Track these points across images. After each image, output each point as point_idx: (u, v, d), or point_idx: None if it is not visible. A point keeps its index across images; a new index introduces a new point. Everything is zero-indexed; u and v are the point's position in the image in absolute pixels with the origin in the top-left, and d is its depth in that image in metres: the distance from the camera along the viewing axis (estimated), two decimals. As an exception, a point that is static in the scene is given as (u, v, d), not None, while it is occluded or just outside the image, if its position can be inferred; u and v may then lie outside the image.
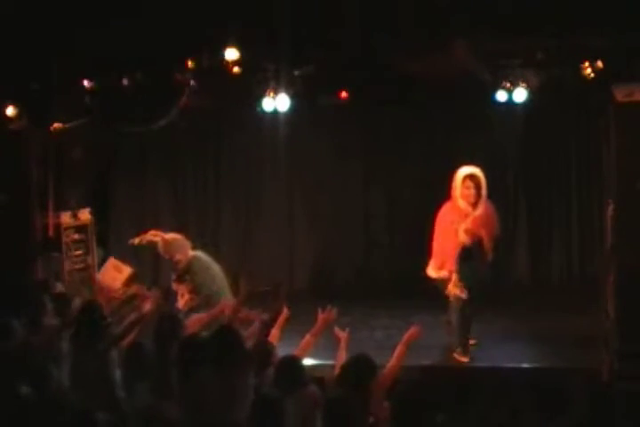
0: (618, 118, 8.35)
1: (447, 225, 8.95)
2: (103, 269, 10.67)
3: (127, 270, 10.62)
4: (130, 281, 10.43)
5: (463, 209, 8.90)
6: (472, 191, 8.89)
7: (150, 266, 11.61)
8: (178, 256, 9.13)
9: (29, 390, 5.53)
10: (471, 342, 9.00)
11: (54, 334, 6.98)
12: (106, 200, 11.89)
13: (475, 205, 8.89)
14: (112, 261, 10.69)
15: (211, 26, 8.76)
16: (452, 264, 8.87)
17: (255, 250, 12.18)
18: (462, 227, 8.81)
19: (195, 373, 6.12)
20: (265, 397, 5.35)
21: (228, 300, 8.35)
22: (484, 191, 8.89)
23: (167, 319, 6.81)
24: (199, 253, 9.30)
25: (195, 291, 8.96)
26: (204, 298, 8.80)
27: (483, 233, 8.83)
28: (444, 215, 9.03)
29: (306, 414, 5.75)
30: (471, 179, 8.90)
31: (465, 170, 8.93)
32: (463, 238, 8.79)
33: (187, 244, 9.26)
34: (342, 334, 6.78)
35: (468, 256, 8.79)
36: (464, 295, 8.74)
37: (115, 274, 10.52)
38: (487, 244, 8.87)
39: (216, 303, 8.21)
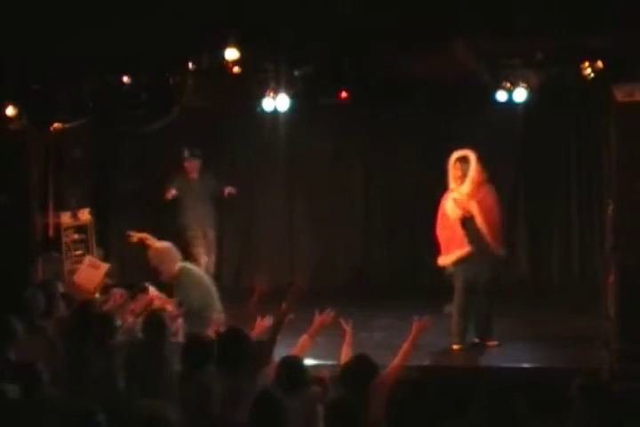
0: (618, 118, 8.34)
1: (443, 211, 9.11)
2: (79, 269, 10.44)
3: (104, 267, 10.41)
4: (106, 277, 10.28)
5: (453, 189, 9.08)
6: (460, 173, 9.05)
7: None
8: (164, 267, 8.69)
9: (17, 390, 5.53)
10: (490, 343, 9.07)
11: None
12: (106, 200, 11.89)
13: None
14: (88, 259, 10.51)
15: (211, 26, 8.76)
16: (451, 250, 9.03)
17: (255, 250, 12.19)
18: (450, 200, 9.01)
19: (199, 373, 6.11)
20: (265, 396, 5.34)
21: (217, 313, 8.26)
22: (471, 173, 9.00)
23: (154, 318, 6.81)
24: (189, 266, 8.99)
25: (176, 304, 8.35)
26: (183, 312, 8.08)
27: (474, 208, 8.94)
28: (442, 202, 9.18)
29: (308, 415, 5.75)
30: (460, 161, 9.06)
31: (456, 153, 9.11)
32: (452, 212, 8.97)
33: (177, 256, 8.87)
34: (347, 328, 6.77)
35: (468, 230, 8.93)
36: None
37: (91, 272, 10.32)
38: (484, 225, 8.94)
39: (206, 317, 8.09)
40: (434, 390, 7.07)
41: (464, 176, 9.02)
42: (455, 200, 9.00)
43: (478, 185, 9.04)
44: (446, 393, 7.09)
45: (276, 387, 5.84)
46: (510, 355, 8.83)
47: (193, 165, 11.34)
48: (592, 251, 11.21)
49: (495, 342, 9.06)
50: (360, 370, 5.92)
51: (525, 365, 8.55)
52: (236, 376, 6.04)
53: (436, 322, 9.26)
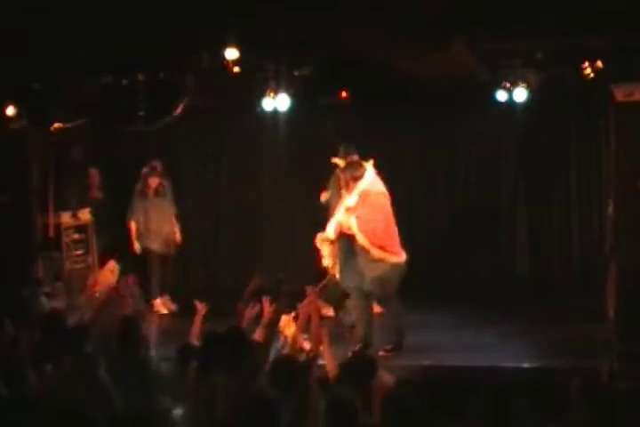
0: (618, 118, 8.34)
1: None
2: (101, 270, 10.27)
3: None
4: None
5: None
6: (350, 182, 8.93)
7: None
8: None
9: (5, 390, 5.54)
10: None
11: None
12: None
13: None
14: (110, 264, 10.36)
15: (211, 26, 8.76)
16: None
17: (255, 250, 12.17)
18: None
19: (207, 374, 6.10)
20: (260, 396, 5.32)
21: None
22: (342, 182, 8.98)
23: (128, 324, 6.75)
24: None
25: None
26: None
27: (353, 225, 8.78)
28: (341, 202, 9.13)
29: (305, 414, 5.72)
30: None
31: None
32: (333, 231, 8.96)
33: None
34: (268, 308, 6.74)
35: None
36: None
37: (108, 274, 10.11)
38: (365, 240, 8.76)
39: None
40: (434, 390, 7.10)
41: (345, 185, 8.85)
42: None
43: (365, 195, 8.81)
44: (446, 393, 7.09)
45: (271, 386, 5.83)
46: (510, 355, 8.82)
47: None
48: (592, 251, 11.21)
49: (384, 353, 8.68)
50: (359, 369, 5.91)
51: (525, 365, 8.55)
52: (235, 376, 6.03)
53: (435, 322, 9.35)
